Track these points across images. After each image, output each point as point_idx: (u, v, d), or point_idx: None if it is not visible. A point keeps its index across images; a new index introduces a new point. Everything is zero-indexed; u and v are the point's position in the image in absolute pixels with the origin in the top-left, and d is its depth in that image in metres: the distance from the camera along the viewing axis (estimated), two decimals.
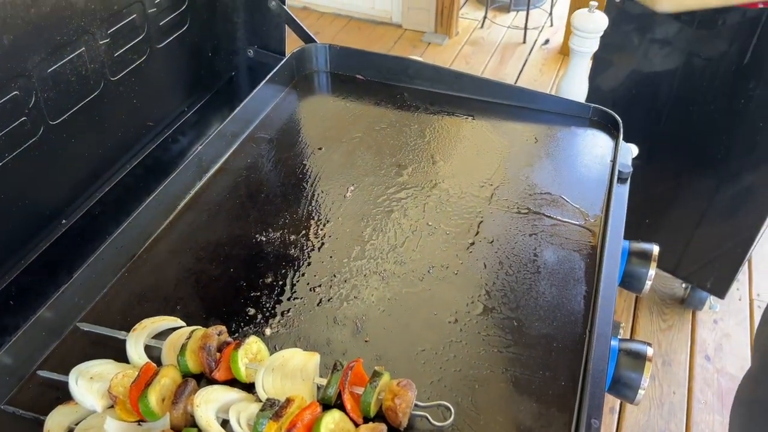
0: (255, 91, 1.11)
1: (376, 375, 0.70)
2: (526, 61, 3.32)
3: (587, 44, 1.33)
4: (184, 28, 1.14)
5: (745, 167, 1.72)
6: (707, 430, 1.78)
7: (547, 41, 3.44)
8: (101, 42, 0.95)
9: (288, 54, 1.23)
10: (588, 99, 1.92)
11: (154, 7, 1.04)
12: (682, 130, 1.81)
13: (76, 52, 0.91)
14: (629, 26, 1.85)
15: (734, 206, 1.76)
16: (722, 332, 2.02)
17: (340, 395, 0.70)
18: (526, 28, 3.43)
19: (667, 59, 1.82)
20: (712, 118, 1.76)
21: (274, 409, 0.66)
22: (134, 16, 1.00)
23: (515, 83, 3.15)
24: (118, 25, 0.97)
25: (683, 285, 2.08)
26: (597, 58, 1.97)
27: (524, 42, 3.44)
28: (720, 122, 1.74)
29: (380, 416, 0.70)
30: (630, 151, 1.13)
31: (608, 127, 1.13)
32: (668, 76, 1.82)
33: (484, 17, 3.59)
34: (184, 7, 1.12)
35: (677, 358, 1.94)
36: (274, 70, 1.14)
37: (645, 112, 1.88)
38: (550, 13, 3.57)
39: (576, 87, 1.39)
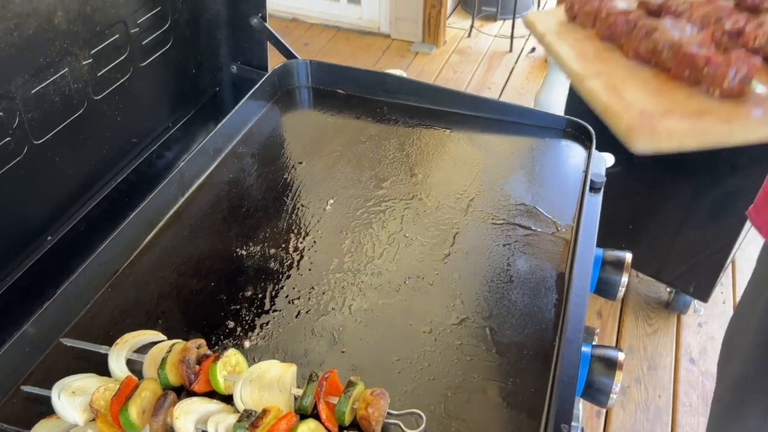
0: (237, 106, 1.13)
1: (350, 385, 0.72)
2: (512, 69, 3.36)
3: None
4: (168, 46, 1.16)
5: (724, 172, 1.76)
6: None
7: (533, 49, 3.48)
8: (84, 62, 0.97)
9: (270, 70, 1.26)
10: (568, 110, 1.96)
11: (136, 27, 1.07)
12: None
13: (59, 73, 0.93)
14: None
15: (714, 212, 1.79)
16: (707, 335, 2.05)
17: (316, 405, 0.72)
18: (512, 36, 3.47)
19: None
20: None
21: (250, 419, 0.69)
22: (117, 36, 1.03)
23: (502, 91, 3.19)
24: (101, 46, 1.00)
25: (668, 289, 2.11)
26: None
27: (510, 50, 3.48)
28: None
29: (355, 425, 0.72)
30: (604, 160, 1.16)
31: (582, 138, 1.16)
32: None
33: (471, 26, 3.63)
34: (166, 26, 1.14)
35: (663, 362, 1.97)
36: (256, 86, 1.17)
37: None
38: None
39: (553, 98, 1.42)
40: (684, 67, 0.67)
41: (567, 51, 0.80)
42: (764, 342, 1.03)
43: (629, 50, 0.75)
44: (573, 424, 0.95)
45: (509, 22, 3.49)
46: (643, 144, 0.62)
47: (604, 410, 1.84)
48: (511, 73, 3.33)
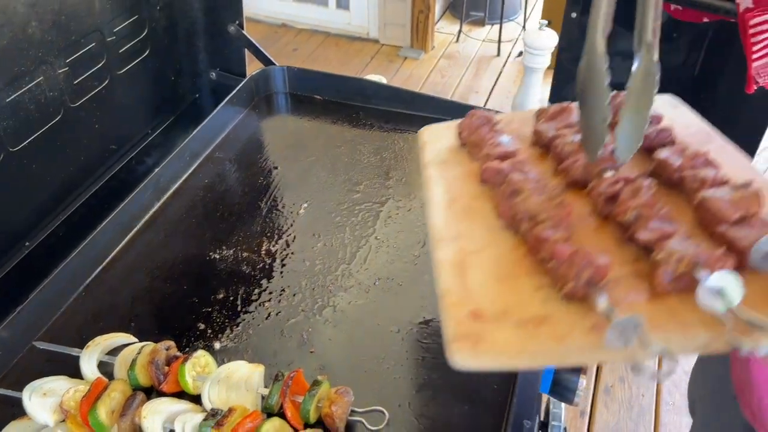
0: (214, 112, 1.15)
1: (315, 384, 0.74)
2: (500, 73, 3.39)
3: (538, 61, 1.39)
4: (145, 54, 1.18)
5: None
6: (675, 430, 1.82)
7: (520, 53, 3.52)
8: (60, 71, 0.99)
9: (248, 76, 1.28)
10: None
11: (113, 35, 1.09)
12: None
13: (35, 81, 0.95)
14: None
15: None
16: None
17: (282, 404, 0.74)
18: (500, 41, 3.50)
19: (629, 71, 1.88)
20: None
21: (216, 418, 0.70)
22: (93, 44, 1.05)
23: (489, 95, 3.22)
24: (77, 54, 1.02)
25: None
26: (562, 71, 2.03)
27: (498, 55, 3.51)
28: None
29: (321, 423, 0.74)
30: None
31: None
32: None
33: (459, 31, 3.66)
34: (144, 34, 1.16)
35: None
36: (233, 92, 1.19)
37: None
38: (524, 27, 3.65)
39: (529, 101, 1.44)
40: (536, 250, 0.58)
41: (439, 195, 0.70)
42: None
43: (496, 207, 0.65)
44: (554, 423, 0.98)
45: (497, 27, 3.53)
46: (462, 361, 0.51)
47: (587, 410, 1.86)
48: (498, 77, 3.36)
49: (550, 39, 1.36)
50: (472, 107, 1.23)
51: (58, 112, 1.00)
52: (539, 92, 1.50)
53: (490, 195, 0.68)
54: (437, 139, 0.81)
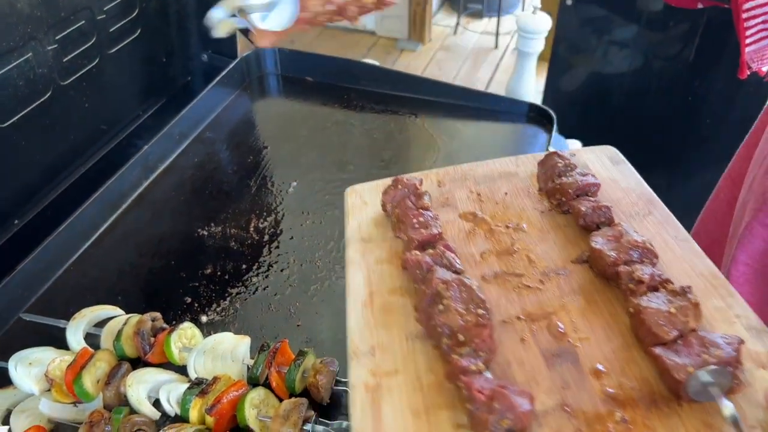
0: (203, 92, 1.15)
1: (300, 354, 0.74)
2: (497, 65, 3.39)
3: (532, 45, 1.39)
4: (136, 34, 1.18)
5: (695, 165, 1.78)
6: None
7: None
8: (49, 48, 0.99)
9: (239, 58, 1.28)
10: (546, 100, 1.99)
11: (103, 13, 1.08)
12: (636, 129, 1.87)
13: (23, 57, 0.94)
14: (587, 29, 1.92)
15: (688, 203, 1.81)
16: None
17: (267, 375, 0.74)
18: (497, 33, 3.50)
19: (624, 60, 1.88)
20: (664, 116, 1.82)
21: (201, 387, 0.70)
22: (83, 22, 1.04)
23: (487, 87, 3.22)
24: (66, 32, 1.01)
25: None
26: (556, 60, 2.03)
27: (496, 47, 3.51)
28: (672, 120, 1.80)
29: (306, 393, 0.74)
30: (567, 145, 1.18)
31: (544, 122, 1.18)
32: (624, 76, 1.89)
33: (457, 24, 3.66)
34: (134, 14, 1.16)
35: None
36: (223, 73, 1.19)
37: (601, 111, 1.94)
38: None
39: (524, 87, 1.44)
40: (454, 377, 0.51)
41: (359, 286, 0.64)
42: None
43: (415, 308, 0.59)
44: None
45: (495, 20, 3.52)
46: None
47: None
48: (496, 69, 3.36)
49: (544, 22, 1.36)
50: (463, 88, 1.24)
51: (47, 90, 1.00)
52: (533, 79, 1.50)
53: (411, 289, 0.62)
54: (362, 204, 0.76)
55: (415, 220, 0.67)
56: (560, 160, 0.71)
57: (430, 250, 0.63)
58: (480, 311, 0.55)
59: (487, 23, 3.71)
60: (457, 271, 0.61)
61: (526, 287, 0.61)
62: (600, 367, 0.53)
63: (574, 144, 1.24)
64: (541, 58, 2.06)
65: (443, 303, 0.55)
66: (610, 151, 0.78)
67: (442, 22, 3.76)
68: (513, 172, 0.76)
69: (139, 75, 1.23)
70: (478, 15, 3.77)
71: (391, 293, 0.63)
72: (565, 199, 0.69)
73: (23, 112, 0.97)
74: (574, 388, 0.51)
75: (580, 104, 1.97)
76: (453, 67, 3.36)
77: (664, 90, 1.78)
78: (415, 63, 3.40)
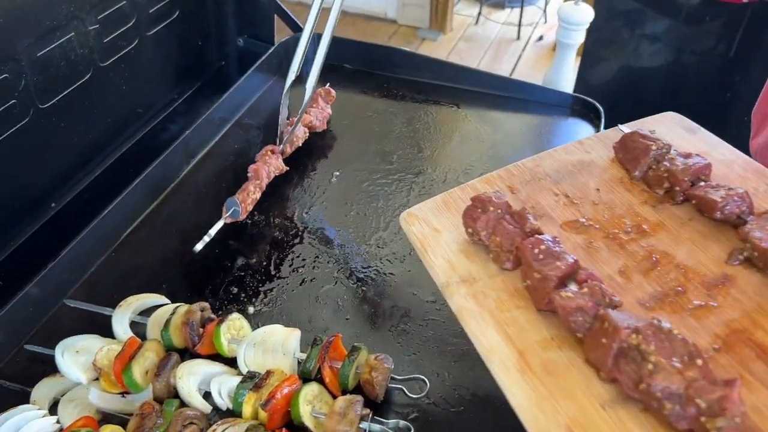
0: (242, 78, 1.13)
1: (354, 350, 0.72)
2: (519, 57, 3.34)
3: (573, 36, 1.36)
4: (174, 16, 1.15)
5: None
6: None
7: (541, 38, 3.46)
8: (90, 28, 0.96)
9: (276, 43, 1.25)
10: (577, 93, 1.95)
11: None
12: None
13: (66, 37, 0.92)
14: (620, 22, 1.88)
15: None
16: None
17: (320, 369, 0.72)
18: (520, 24, 3.45)
19: (657, 54, 1.84)
20: (700, 112, 1.78)
21: (254, 380, 0.69)
22: (123, 3, 1.02)
23: None
24: (107, 12, 0.99)
25: None
26: (588, 53, 1.99)
27: (518, 38, 3.46)
28: (708, 116, 1.76)
29: (359, 390, 0.72)
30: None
31: (590, 115, 1.15)
32: (657, 71, 1.85)
33: (479, 14, 3.61)
34: None
35: None
36: (262, 59, 1.16)
37: (633, 106, 1.90)
38: (545, 10, 3.59)
39: (562, 78, 1.41)
40: None
41: (496, 344, 0.53)
42: None
43: (588, 360, 0.49)
44: None
45: (517, 10, 3.47)
46: None
47: None
48: (518, 60, 3.31)
49: (587, 13, 1.33)
50: (508, 79, 1.20)
51: (87, 71, 0.98)
52: (572, 71, 1.47)
53: (564, 337, 0.51)
54: (435, 232, 0.64)
55: (536, 250, 0.55)
56: (647, 141, 0.62)
57: (574, 287, 0.52)
58: (698, 361, 0.45)
59: (509, 14, 3.66)
60: (615, 305, 0.51)
61: (698, 307, 0.51)
62: None
63: None
64: None
65: (650, 360, 0.45)
66: (677, 118, 0.67)
67: (463, 11, 3.71)
68: (587, 160, 0.67)
69: (175, 58, 1.21)
70: (499, 5, 3.71)
71: (544, 348, 0.51)
72: (679, 188, 0.59)
73: (63, 93, 0.95)
74: None
75: (611, 99, 1.93)
76: (474, 58, 3.32)
77: (701, 86, 1.74)
78: (436, 53, 3.35)
